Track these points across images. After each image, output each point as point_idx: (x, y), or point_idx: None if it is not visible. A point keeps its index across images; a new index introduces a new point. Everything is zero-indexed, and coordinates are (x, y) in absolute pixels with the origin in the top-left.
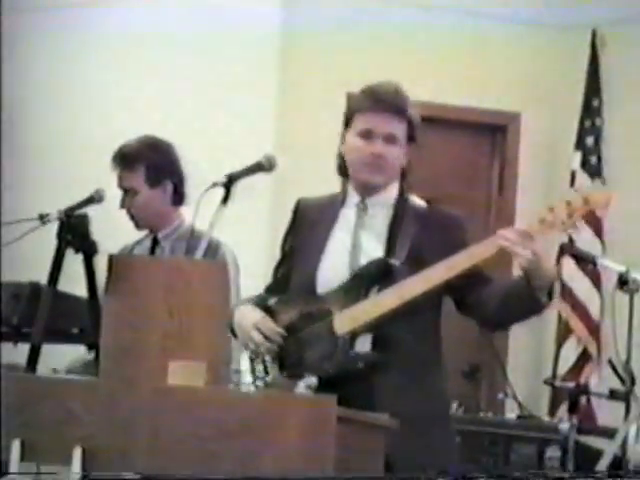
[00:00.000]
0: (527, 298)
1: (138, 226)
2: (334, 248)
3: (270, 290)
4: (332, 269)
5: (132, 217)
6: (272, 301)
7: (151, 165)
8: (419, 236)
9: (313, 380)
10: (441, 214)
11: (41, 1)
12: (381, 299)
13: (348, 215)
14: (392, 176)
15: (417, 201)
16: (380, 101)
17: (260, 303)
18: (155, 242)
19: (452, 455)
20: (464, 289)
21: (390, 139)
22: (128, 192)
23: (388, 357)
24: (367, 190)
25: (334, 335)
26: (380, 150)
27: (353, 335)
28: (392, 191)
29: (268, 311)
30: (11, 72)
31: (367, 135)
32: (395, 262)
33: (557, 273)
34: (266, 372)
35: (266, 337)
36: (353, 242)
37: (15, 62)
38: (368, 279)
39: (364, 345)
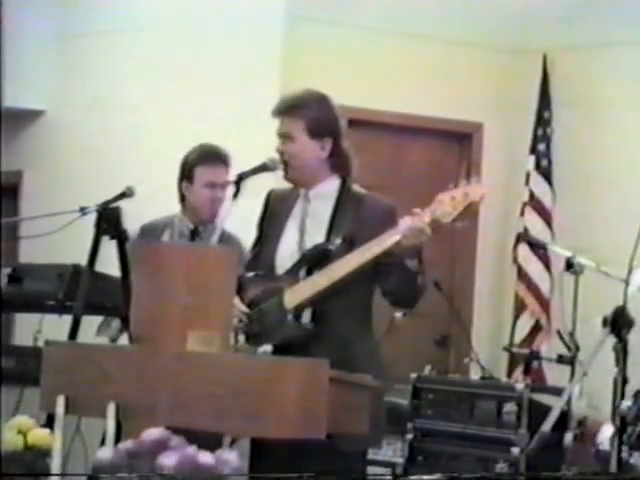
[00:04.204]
0: (398, 266)
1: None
2: (288, 235)
3: (247, 267)
4: (286, 253)
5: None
6: (249, 275)
7: (229, 162)
8: (355, 221)
9: (269, 347)
10: (376, 201)
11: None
12: (316, 279)
13: (298, 206)
14: (301, 170)
15: (358, 190)
16: (275, 106)
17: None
18: (195, 232)
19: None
20: (381, 276)
21: (285, 137)
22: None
23: (324, 328)
24: (302, 184)
25: (283, 309)
26: (278, 147)
27: (298, 309)
28: (332, 183)
29: (241, 286)
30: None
31: (277, 136)
32: (331, 247)
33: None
34: (235, 340)
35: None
36: (300, 230)
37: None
38: (309, 262)
39: (306, 318)
